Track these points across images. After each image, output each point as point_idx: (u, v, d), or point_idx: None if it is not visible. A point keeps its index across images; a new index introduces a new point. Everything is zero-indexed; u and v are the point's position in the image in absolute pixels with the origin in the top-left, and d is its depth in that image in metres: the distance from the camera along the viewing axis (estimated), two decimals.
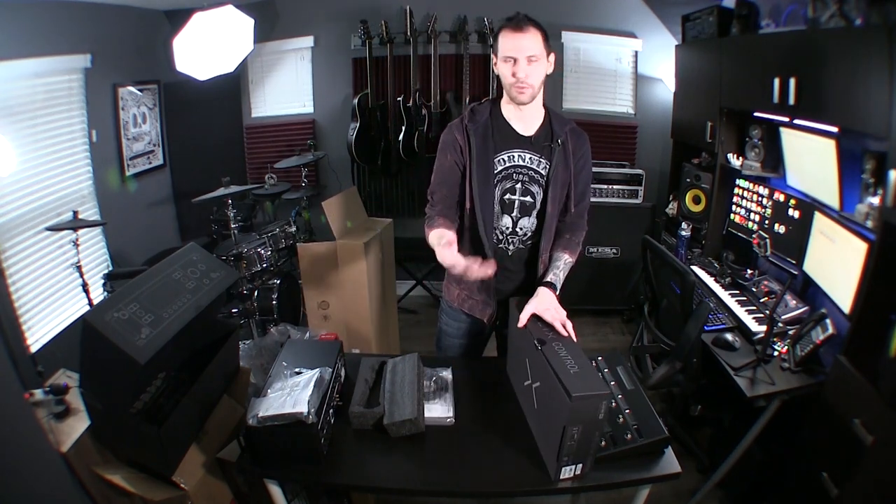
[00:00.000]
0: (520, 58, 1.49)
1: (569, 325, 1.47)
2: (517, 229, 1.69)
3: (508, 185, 1.64)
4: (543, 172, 1.64)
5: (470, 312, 1.81)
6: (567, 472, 1.27)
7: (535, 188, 1.65)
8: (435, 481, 1.33)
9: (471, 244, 1.70)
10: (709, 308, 2.07)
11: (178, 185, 3.78)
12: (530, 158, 1.63)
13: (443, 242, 1.47)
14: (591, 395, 1.16)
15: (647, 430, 1.35)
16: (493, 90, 3.59)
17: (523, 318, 1.49)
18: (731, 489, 2.16)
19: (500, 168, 1.63)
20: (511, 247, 1.71)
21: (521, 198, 1.65)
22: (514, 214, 1.67)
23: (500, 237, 1.70)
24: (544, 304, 1.51)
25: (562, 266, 1.67)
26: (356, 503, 1.93)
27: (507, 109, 1.64)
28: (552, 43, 1.57)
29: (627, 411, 1.42)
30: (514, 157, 1.63)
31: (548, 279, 1.62)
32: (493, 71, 3.52)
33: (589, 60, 3.73)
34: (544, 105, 1.67)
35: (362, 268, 2.73)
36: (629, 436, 1.35)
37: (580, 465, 1.27)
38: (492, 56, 1.62)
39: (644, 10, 3.58)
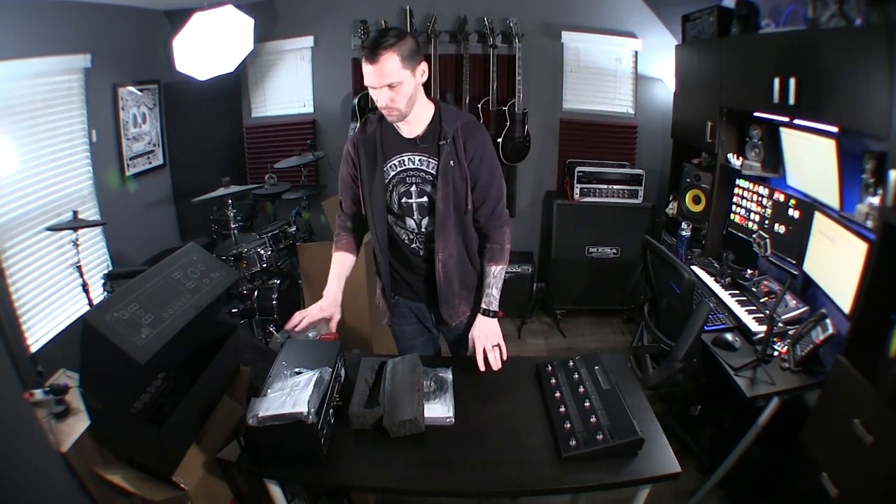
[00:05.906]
0: (378, 87, 1.47)
1: (492, 353, 1.63)
2: (422, 230, 1.69)
3: (403, 189, 1.64)
4: (434, 172, 1.61)
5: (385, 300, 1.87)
6: None
7: (429, 188, 1.63)
8: (435, 481, 1.32)
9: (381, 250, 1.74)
10: (709, 308, 2.07)
11: (178, 185, 3.78)
12: (420, 160, 1.61)
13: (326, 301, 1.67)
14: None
15: (619, 432, 1.35)
16: (493, 90, 3.59)
17: (477, 354, 1.64)
18: (731, 489, 2.16)
19: (392, 174, 1.63)
20: (422, 247, 1.72)
21: (418, 199, 1.64)
22: (415, 217, 1.67)
23: (412, 237, 1.71)
24: (477, 332, 1.66)
25: (492, 282, 1.71)
26: (356, 503, 1.93)
27: None
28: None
29: (601, 411, 1.43)
30: (403, 161, 1.61)
31: (482, 305, 1.70)
32: (492, 71, 3.54)
33: (589, 60, 3.72)
34: (435, 103, 1.63)
35: (362, 268, 2.73)
36: (600, 436, 1.35)
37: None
38: None
39: (644, 10, 3.58)
